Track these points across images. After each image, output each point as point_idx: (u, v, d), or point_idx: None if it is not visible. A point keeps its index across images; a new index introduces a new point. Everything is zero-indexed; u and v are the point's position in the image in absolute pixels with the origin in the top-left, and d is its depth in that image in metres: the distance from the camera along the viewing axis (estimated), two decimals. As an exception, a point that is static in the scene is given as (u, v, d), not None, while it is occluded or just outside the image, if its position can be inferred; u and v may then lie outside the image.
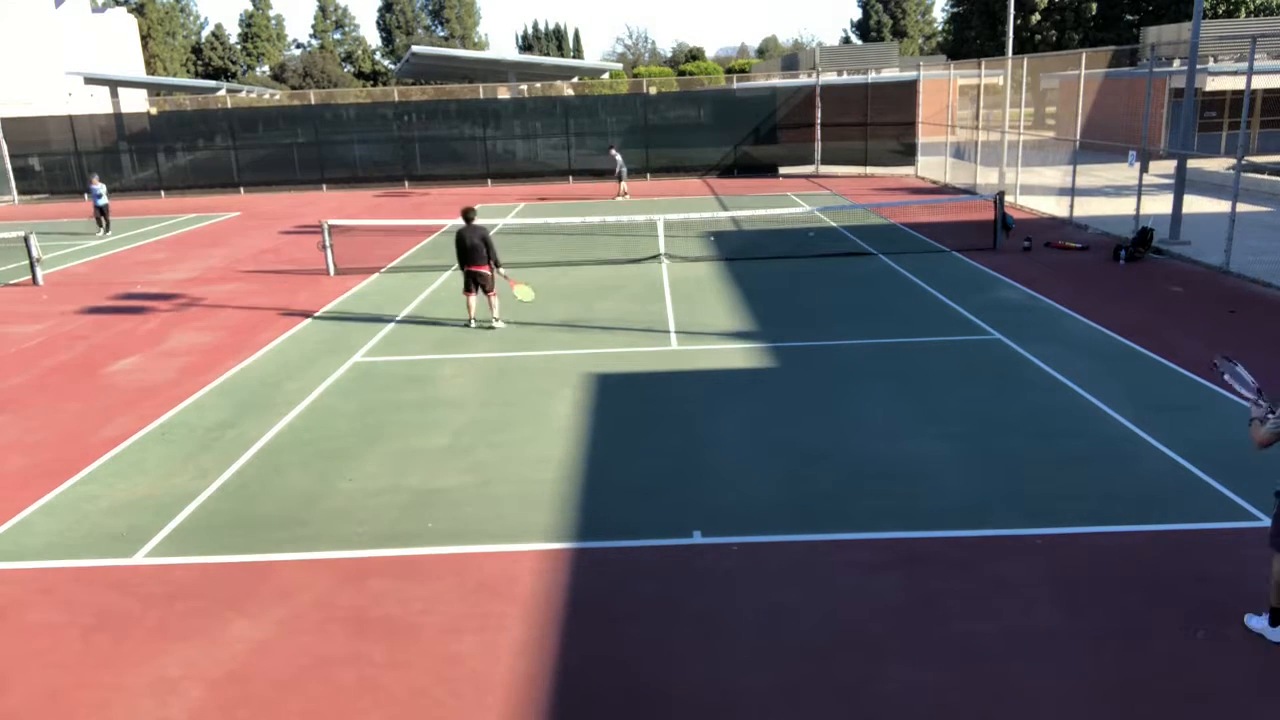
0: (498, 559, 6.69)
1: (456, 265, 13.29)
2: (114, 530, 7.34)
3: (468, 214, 13.00)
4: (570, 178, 33.92)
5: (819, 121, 33.45)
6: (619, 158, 28.44)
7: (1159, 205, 19.18)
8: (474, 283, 13.06)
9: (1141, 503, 7.15)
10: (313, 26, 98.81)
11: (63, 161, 34.00)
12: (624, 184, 28.30)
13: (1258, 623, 5.55)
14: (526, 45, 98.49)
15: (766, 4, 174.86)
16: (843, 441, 8.60)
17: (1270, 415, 5.33)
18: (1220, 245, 15.30)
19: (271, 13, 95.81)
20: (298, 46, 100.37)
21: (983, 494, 7.43)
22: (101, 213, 24.38)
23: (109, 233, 24.50)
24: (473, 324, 13.17)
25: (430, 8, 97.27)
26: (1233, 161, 16.75)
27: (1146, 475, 7.64)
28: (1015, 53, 39.60)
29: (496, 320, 13.15)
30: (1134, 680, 5.13)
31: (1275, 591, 5.39)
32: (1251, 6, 49.38)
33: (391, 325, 13.56)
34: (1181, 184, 17.64)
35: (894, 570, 6.34)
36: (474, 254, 12.85)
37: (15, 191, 34.04)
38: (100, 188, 24.47)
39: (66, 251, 21.84)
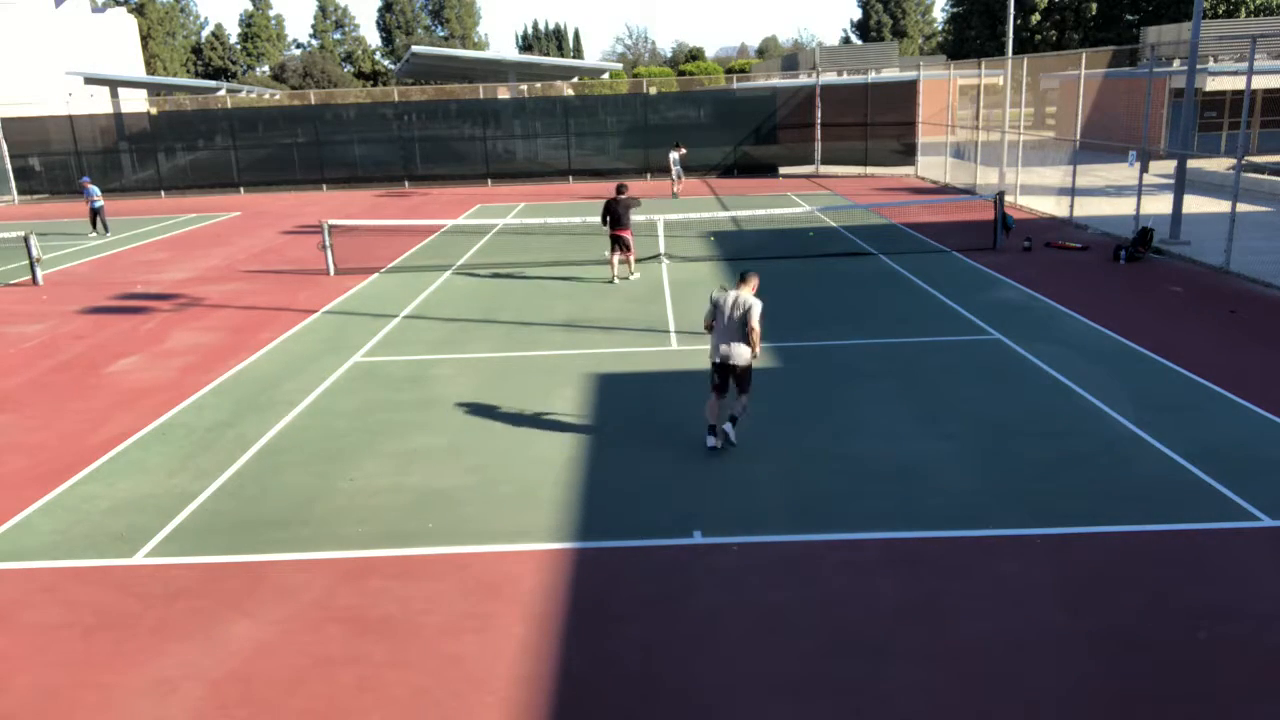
0: (498, 559, 6.69)
1: (605, 229, 15.67)
2: (114, 530, 7.34)
3: (621, 188, 15.91)
4: (570, 178, 33.90)
5: (819, 121, 33.44)
6: (675, 156, 27.94)
7: (1159, 205, 19.19)
8: (617, 244, 15.51)
9: (1141, 503, 7.15)
10: (313, 26, 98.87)
11: (63, 161, 33.96)
12: (678, 184, 27.84)
13: (710, 440, 8.21)
14: (526, 45, 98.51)
15: (766, 4, 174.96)
16: (842, 441, 8.60)
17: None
18: (1220, 245, 15.30)
19: (271, 13, 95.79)
20: (298, 46, 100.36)
21: (983, 494, 7.43)
22: (96, 214, 23.96)
23: (108, 233, 24.23)
24: (615, 280, 15.64)
25: (430, 8, 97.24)
26: (1233, 161, 16.74)
27: (1146, 475, 7.64)
28: (1015, 53, 39.60)
29: (633, 274, 16.00)
30: (1134, 680, 5.13)
31: (710, 417, 8.28)
32: (1251, 6, 49.37)
33: (391, 325, 13.57)
34: (1181, 184, 17.63)
35: (894, 570, 6.34)
36: (621, 220, 15.35)
37: (15, 191, 34.03)
38: (95, 189, 24.01)
39: (66, 251, 21.83)
